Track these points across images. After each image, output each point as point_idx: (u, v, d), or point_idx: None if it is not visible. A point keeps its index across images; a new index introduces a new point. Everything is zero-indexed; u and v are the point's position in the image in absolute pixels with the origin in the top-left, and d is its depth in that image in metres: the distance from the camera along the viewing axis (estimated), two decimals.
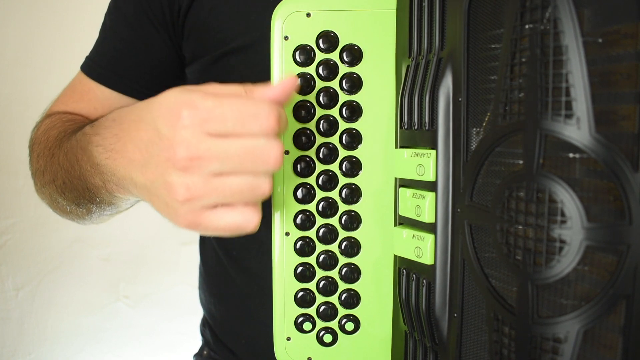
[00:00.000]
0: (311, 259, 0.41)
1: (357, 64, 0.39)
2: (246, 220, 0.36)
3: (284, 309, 0.42)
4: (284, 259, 0.41)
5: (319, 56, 0.39)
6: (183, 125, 0.34)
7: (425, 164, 0.35)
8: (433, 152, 0.34)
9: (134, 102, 0.61)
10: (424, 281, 0.36)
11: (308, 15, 0.39)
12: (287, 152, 0.40)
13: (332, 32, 0.39)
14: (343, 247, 0.41)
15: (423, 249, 0.35)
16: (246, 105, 0.34)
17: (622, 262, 0.25)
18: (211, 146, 0.34)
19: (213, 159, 0.34)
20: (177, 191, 0.35)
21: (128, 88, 0.60)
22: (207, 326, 0.67)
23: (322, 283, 0.41)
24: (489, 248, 0.31)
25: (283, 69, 0.39)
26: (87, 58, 0.62)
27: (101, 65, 0.60)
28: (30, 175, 0.59)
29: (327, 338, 0.42)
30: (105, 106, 0.61)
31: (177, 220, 0.37)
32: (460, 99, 0.32)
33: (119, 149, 0.39)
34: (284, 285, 0.41)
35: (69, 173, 0.48)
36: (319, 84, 0.40)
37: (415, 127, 0.36)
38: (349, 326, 0.41)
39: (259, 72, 0.50)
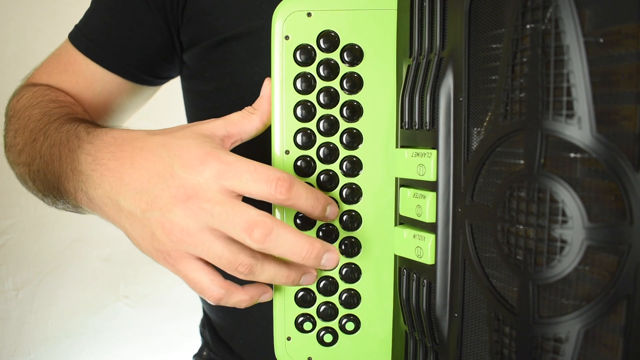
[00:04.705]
0: None
1: (357, 64, 0.39)
2: (209, 288, 0.38)
3: (284, 308, 0.41)
4: None
5: (320, 56, 0.39)
6: (201, 171, 0.36)
7: (426, 163, 0.35)
8: (434, 152, 0.34)
9: (119, 80, 0.60)
10: (425, 281, 0.36)
11: (309, 15, 0.39)
12: (287, 152, 0.40)
13: (333, 31, 0.39)
14: (343, 247, 0.41)
15: (424, 249, 0.35)
16: (263, 170, 0.36)
17: (623, 262, 0.25)
18: (216, 197, 0.36)
19: (213, 211, 0.36)
20: (171, 229, 0.37)
21: (114, 65, 0.59)
22: (207, 327, 0.67)
23: (322, 283, 0.41)
24: (489, 248, 0.31)
25: (284, 68, 0.39)
26: (76, 27, 0.61)
27: (89, 38, 0.59)
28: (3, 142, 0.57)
29: (328, 338, 0.42)
30: (88, 81, 0.59)
31: (154, 253, 0.39)
32: (461, 99, 0.32)
33: (112, 167, 0.39)
34: (284, 285, 0.41)
35: (47, 165, 0.47)
36: (320, 83, 0.40)
37: (416, 127, 0.36)
38: (350, 326, 0.41)
39: (261, 59, 0.51)
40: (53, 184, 0.47)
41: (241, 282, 0.40)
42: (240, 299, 0.40)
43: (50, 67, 0.62)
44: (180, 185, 0.36)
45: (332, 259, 0.37)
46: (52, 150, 0.46)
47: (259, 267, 0.37)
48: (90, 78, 0.59)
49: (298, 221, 0.41)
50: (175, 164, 0.37)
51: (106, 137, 0.42)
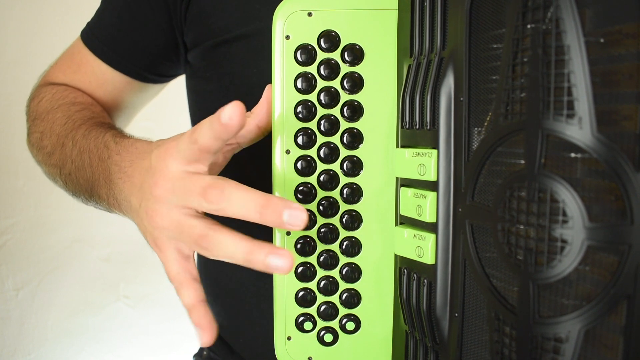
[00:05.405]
0: (312, 259, 0.41)
1: (358, 64, 0.40)
2: (174, 279, 0.39)
3: (284, 308, 0.42)
4: None
5: (321, 55, 0.39)
6: (166, 159, 0.38)
7: (426, 163, 0.35)
8: (434, 151, 0.34)
9: (127, 80, 0.62)
10: (425, 281, 0.36)
11: (309, 14, 0.39)
12: (287, 152, 0.40)
13: (334, 31, 0.39)
14: (344, 246, 0.41)
15: (424, 249, 0.35)
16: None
17: (624, 262, 0.25)
18: (184, 179, 0.37)
19: (174, 188, 0.37)
20: (151, 216, 0.39)
21: (122, 66, 0.61)
22: None
23: (322, 282, 0.41)
24: (490, 248, 0.31)
25: (284, 68, 0.40)
26: (88, 25, 0.62)
27: (99, 38, 0.60)
28: (28, 142, 0.60)
29: (328, 337, 0.42)
30: (100, 80, 0.61)
31: (149, 241, 0.41)
32: (461, 99, 0.32)
33: (130, 173, 0.43)
34: (284, 285, 0.41)
35: (79, 171, 0.50)
36: (321, 83, 0.40)
37: (417, 127, 0.36)
38: (350, 326, 0.41)
39: (260, 60, 0.52)
40: (85, 187, 0.50)
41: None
42: (185, 298, 0.38)
43: (64, 65, 0.64)
44: (152, 174, 0.39)
45: (295, 215, 0.32)
46: (82, 157, 0.50)
47: (215, 237, 0.35)
48: (101, 78, 0.61)
49: None
50: (152, 156, 0.40)
51: (130, 147, 0.45)
